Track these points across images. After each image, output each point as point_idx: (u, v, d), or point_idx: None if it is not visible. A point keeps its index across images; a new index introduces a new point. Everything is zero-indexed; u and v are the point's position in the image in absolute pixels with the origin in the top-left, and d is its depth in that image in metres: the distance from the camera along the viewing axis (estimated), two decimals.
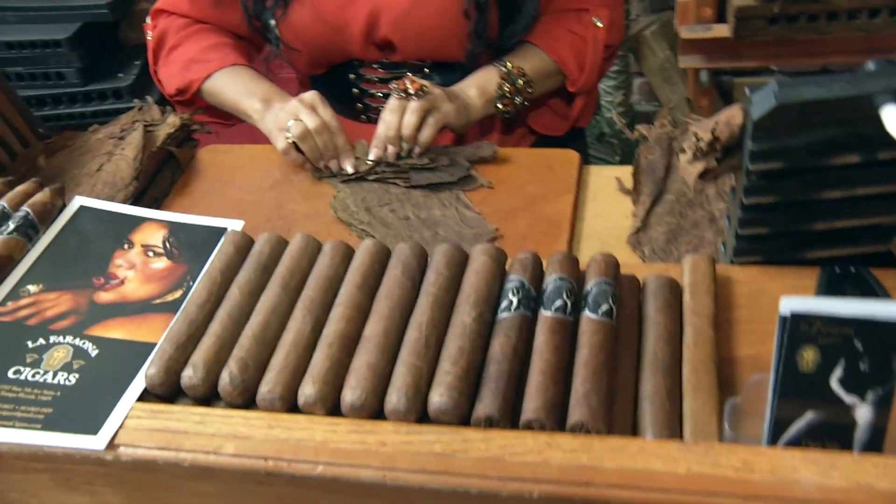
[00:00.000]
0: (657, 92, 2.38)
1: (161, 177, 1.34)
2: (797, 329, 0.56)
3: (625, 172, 1.18)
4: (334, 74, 1.41)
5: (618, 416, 0.63)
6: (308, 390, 0.64)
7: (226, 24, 1.41)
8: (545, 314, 0.68)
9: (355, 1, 1.28)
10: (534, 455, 0.59)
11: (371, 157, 1.20)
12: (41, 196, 0.83)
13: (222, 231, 0.83)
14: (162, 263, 0.79)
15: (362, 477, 0.59)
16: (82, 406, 0.66)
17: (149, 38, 1.43)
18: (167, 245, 0.80)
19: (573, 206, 1.15)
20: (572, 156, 1.25)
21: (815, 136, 0.66)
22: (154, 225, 0.83)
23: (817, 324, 0.56)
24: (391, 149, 1.19)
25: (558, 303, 0.68)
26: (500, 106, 1.27)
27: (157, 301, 0.75)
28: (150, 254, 0.80)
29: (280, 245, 0.77)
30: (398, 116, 1.16)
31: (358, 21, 1.28)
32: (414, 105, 1.15)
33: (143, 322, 0.74)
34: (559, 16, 1.32)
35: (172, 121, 1.42)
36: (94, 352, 0.71)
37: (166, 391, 0.67)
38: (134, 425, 0.65)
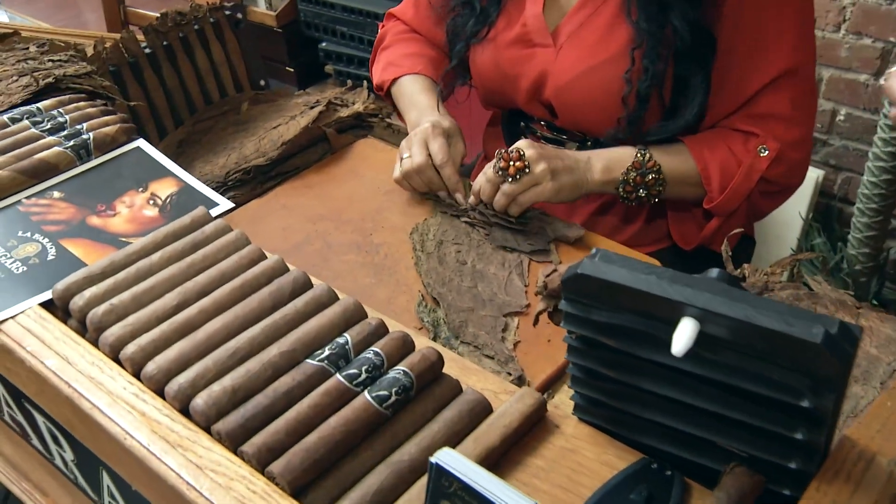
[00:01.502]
0: None
1: (312, 150, 1.52)
2: (439, 481, 0.57)
3: None
4: (512, 115, 1.49)
5: (323, 489, 0.67)
6: (130, 349, 0.76)
7: (438, 42, 1.54)
8: (336, 376, 0.73)
9: (531, 59, 1.34)
10: (223, 478, 0.66)
11: (469, 201, 1.28)
12: (109, 129, 1.03)
13: (213, 205, 0.97)
14: (152, 213, 0.95)
15: (101, 422, 0.70)
16: (5, 290, 0.84)
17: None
18: (167, 200, 0.96)
19: None
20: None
21: (621, 320, 0.64)
22: (173, 180, 1.00)
23: (455, 485, 0.56)
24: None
25: (353, 371, 0.73)
26: (621, 191, 1.25)
27: (123, 239, 0.91)
28: (151, 202, 0.96)
29: (221, 232, 0.89)
30: (491, 189, 1.22)
31: (527, 78, 1.35)
32: (507, 188, 1.19)
33: (102, 251, 0.90)
34: (726, 133, 1.26)
35: (355, 107, 1.59)
36: (51, 257, 0.89)
37: (62, 306, 0.83)
38: (20, 319, 0.82)
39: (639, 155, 1.23)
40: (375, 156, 1.51)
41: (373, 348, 0.75)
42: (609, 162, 1.25)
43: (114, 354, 0.77)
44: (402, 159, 1.30)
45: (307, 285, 0.83)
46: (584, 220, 1.43)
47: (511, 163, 1.19)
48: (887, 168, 2.14)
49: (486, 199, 1.23)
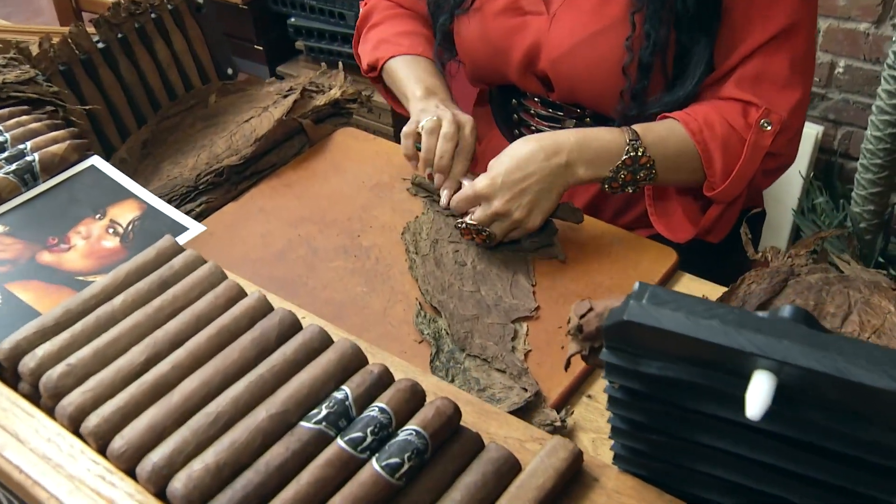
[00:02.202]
0: None
1: (288, 144, 1.40)
2: None
3: (720, 293, 1.03)
4: (502, 92, 1.39)
5: None
6: (93, 421, 0.65)
7: (421, 14, 1.43)
8: (338, 441, 0.62)
9: (522, 28, 1.23)
10: None
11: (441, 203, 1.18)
12: (57, 148, 0.90)
13: (182, 230, 0.85)
14: (112, 244, 0.83)
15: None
16: None
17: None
18: (128, 227, 0.84)
19: None
20: (669, 255, 1.13)
21: (678, 372, 0.53)
22: (134, 203, 0.87)
23: None
24: None
25: (357, 434, 0.62)
26: (606, 187, 1.11)
27: (80, 278, 0.79)
28: (111, 230, 0.84)
29: (192, 265, 0.77)
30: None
31: (519, 49, 1.24)
32: (491, 245, 1.12)
33: (56, 294, 0.78)
34: (721, 104, 1.13)
35: (332, 93, 1.47)
36: None
37: (10, 368, 0.72)
38: None
39: (630, 150, 1.07)
40: (357, 146, 1.40)
41: (377, 404, 0.64)
42: (596, 156, 1.08)
43: (74, 427, 0.66)
44: (427, 118, 1.16)
45: (295, 326, 0.72)
46: (584, 203, 1.33)
47: (473, 236, 1.11)
48: (892, 121, 2.04)
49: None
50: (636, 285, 0.55)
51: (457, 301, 1.07)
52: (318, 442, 0.63)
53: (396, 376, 0.70)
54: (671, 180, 1.14)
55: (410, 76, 1.29)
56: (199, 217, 1.23)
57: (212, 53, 1.54)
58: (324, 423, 0.63)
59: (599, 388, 0.98)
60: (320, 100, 1.44)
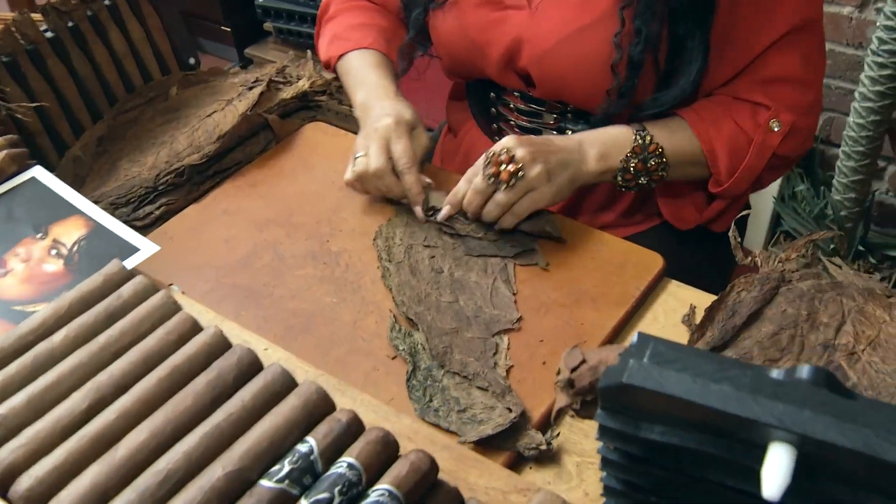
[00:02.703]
0: None
1: (254, 140, 1.32)
2: None
3: (708, 300, 0.98)
4: (479, 85, 1.32)
5: None
6: (24, 482, 0.58)
7: (392, 7, 1.36)
8: (302, 503, 0.56)
9: (501, 23, 1.16)
10: None
11: (440, 216, 1.10)
12: None
13: (133, 251, 0.77)
14: (54, 267, 0.75)
15: None
16: None
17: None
18: (73, 248, 0.77)
19: (618, 323, 0.99)
20: (655, 261, 1.07)
21: (683, 439, 0.47)
22: (80, 220, 0.80)
23: None
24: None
25: (324, 496, 0.56)
26: (619, 179, 1.10)
27: (17, 308, 0.72)
28: (54, 252, 0.76)
29: (143, 295, 0.70)
30: (481, 200, 1.05)
31: (499, 45, 1.17)
32: (501, 198, 1.03)
33: None
34: (731, 103, 1.10)
35: (300, 84, 1.39)
36: None
37: None
38: None
39: (638, 138, 1.08)
40: (326, 142, 1.33)
41: (346, 458, 0.58)
42: (604, 147, 1.08)
43: (2, 489, 0.59)
44: (355, 158, 1.13)
45: (255, 366, 0.65)
46: (565, 202, 1.27)
47: (502, 167, 1.02)
48: (875, 108, 1.99)
49: (472, 212, 1.07)
50: (635, 338, 0.49)
51: (434, 313, 1.01)
52: (281, 503, 0.56)
53: (367, 419, 0.63)
54: (682, 174, 1.12)
55: (356, 79, 1.23)
56: (159, 220, 1.16)
57: (172, 42, 1.45)
58: (286, 482, 0.57)
59: (584, 407, 0.93)
60: (287, 92, 1.36)
